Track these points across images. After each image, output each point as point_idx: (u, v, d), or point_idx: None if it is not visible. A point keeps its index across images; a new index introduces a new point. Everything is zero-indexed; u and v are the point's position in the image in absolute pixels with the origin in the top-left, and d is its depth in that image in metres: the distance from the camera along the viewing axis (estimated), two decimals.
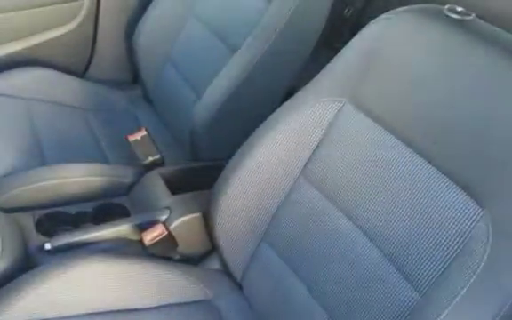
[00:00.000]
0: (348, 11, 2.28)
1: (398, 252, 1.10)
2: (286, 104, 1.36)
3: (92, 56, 2.33)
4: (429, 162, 1.10)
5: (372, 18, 1.29)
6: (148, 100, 2.20)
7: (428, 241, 1.06)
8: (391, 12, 1.26)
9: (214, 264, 1.52)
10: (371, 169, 1.18)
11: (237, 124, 1.65)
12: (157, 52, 2.08)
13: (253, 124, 1.41)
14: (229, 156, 1.42)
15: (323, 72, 1.34)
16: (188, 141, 1.78)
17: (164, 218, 1.50)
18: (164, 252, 1.47)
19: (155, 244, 1.42)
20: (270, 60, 1.64)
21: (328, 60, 1.35)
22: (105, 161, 1.86)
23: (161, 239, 1.42)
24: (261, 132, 1.36)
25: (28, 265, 1.36)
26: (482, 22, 1.16)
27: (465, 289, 0.97)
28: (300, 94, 1.35)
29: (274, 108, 1.39)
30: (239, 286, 1.44)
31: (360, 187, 1.19)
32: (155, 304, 1.32)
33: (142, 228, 1.47)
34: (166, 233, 1.44)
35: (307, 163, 1.31)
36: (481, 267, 0.97)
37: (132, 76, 2.40)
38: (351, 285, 1.17)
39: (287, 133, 1.31)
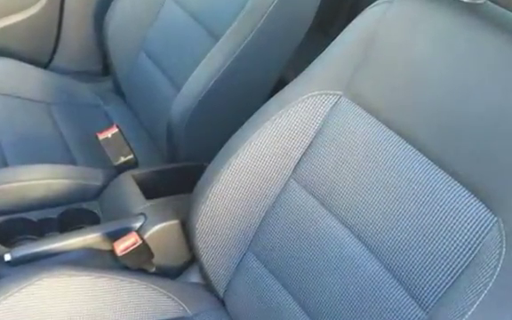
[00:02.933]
0: None
1: (400, 263, 1.08)
2: (275, 98, 1.35)
3: (56, 44, 2.31)
4: (435, 162, 1.09)
5: (371, 1, 1.29)
6: (119, 93, 2.18)
7: (434, 251, 1.04)
8: None
9: (194, 277, 1.50)
10: (370, 170, 1.17)
11: (220, 121, 1.64)
12: (130, 40, 2.06)
13: (238, 120, 1.39)
14: (211, 157, 1.40)
15: (316, 61, 1.33)
16: (165, 140, 1.76)
17: (137, 225, 1.47)
18: (138, 264, 1.44)
19: (128, 255, 1.40)
20: (257, 49, 1.62)
21: (322, 47, 1.34)
22: (72, 161, 1.84)
23: (134, 249, 1.40)
24: (247, 129, 1.34)
25: None
26: (494, 6, 1.15)
27: (475, 305, 0.95)
28: (290, 87, 1.34)
29: (261, 103, 1.38)
30: (222, 302, 1.42)
31: (358, 190, 1.18)
32: None
33: (114, 236, 1.43)
34: (140, 242, 1.41)
35: (298, 163, 1.29)
36: (493, 280, 0.95)
37: (101, 66, 2.38)
38: (348, 302, 1.15)
39: (276, 131, 1.29)
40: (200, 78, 1.65)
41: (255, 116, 1.35)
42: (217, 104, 1.67)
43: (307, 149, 1.28)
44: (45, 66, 2.29)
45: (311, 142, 1.28)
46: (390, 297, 1.09)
